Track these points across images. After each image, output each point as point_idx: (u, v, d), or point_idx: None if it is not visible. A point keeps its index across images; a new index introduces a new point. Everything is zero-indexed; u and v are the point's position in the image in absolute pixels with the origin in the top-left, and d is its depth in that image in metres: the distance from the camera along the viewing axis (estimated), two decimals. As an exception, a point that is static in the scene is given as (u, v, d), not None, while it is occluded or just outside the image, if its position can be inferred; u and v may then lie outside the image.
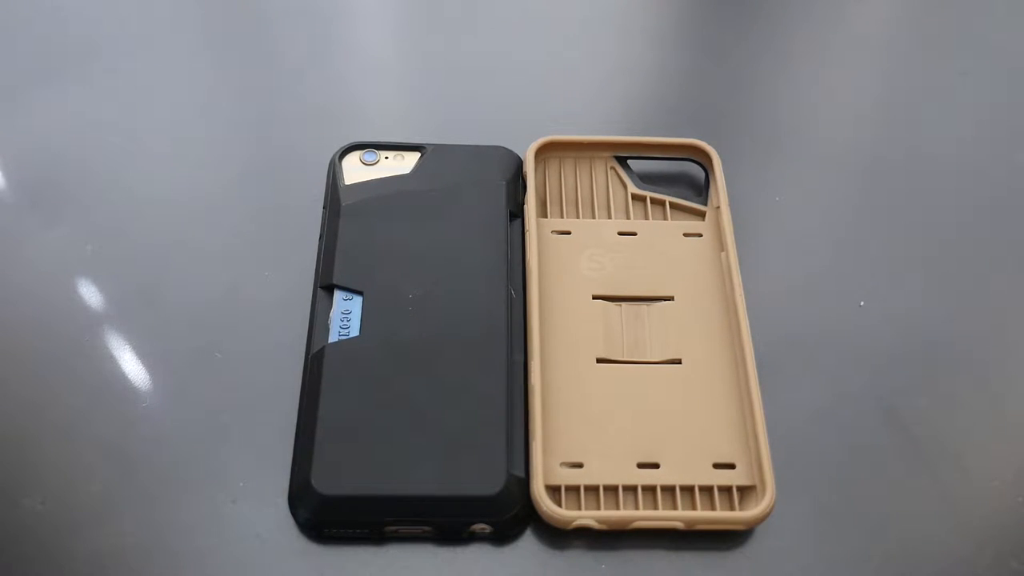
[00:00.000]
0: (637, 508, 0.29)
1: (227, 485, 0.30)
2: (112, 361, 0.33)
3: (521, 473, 0.29)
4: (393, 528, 0.29)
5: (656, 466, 0.30)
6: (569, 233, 0.36)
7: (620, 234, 0.36)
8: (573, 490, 0.30)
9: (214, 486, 0.30)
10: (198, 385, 0.32)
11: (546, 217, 0.36)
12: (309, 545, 0.29)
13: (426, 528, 0.29)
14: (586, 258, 0.35)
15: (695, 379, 0.32)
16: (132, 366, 0.33)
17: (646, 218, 0.37)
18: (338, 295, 0.33)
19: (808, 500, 0.31)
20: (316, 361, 0.31)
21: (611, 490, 0.30)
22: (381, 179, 0.36)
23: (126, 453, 0.31)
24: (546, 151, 0.38)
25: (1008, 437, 0.33)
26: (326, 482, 0.28)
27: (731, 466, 0.30)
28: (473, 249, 0.34)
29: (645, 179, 0.38)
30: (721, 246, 0.35)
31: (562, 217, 0.36)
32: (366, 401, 0.30)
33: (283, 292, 0.35)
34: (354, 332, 0.32)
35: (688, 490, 0.30)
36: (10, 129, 0.40)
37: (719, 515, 0.29)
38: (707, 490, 0.30)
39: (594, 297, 0.34)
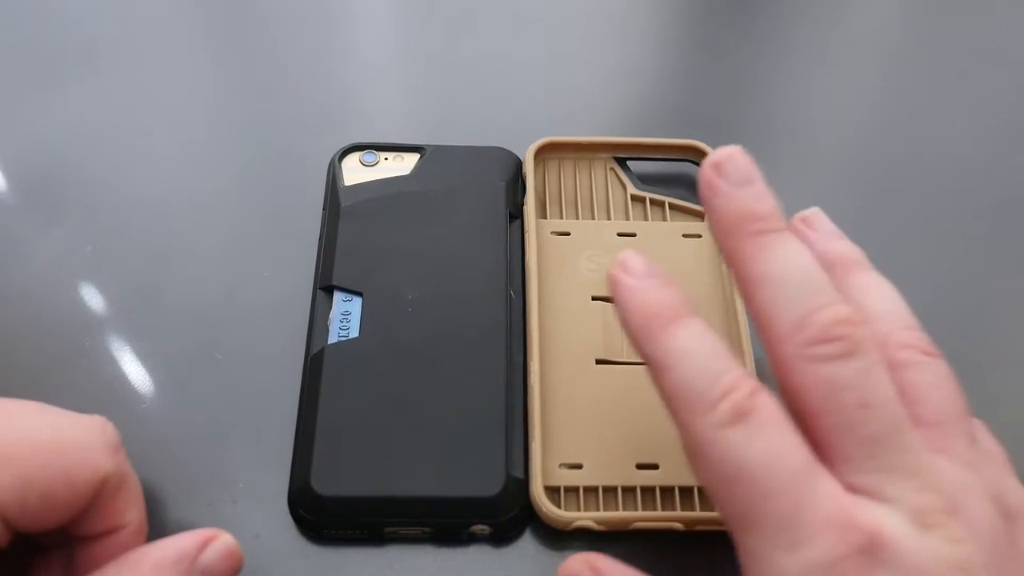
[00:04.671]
0: (636, 509, 0.29)
1: (227, 486, 0.30)
2: (111, 362, 0.33)
3: (520, 474, 0.29)
4: (392, 529, 0.29)
5: (655, 467, 0.30)
6: (568, 234, 0.36)
7: (619, 235, 0.36)
8: (572, 491, 0.30)
9: (214, 487, 0.30)
10: (198, 386, 0.33)
11: (545, 218, 0.36)
12: (308, 546, 0.29)
13: (425, 529, 0.29)
14: (585, 259, 0.35)
15: (694, 380, 0.32)
16: (131, 367, 0.33)
17: (645, 219, 0.37)
18: (338, 296, 0.33)
19: (807, 501, 0.31)
20: (316, 362, 0.31)
21: (610, 491, 0.30)
22: (381, 180, 0.36)
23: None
24: (545, 152, 0.38)
25: (1008, 438, 0.33)
26: (325, 483, 0.28)
27: (730, 467, 0.30)
28: (473, 250, 0.34)
29: (644, 180, 0.38)
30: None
31: (561, 218, 0.37)
32: (366, 402, 0.30)
33: (283, 293, 0.35)
34: (354, 333, 0.32)
35: (687, 491, 0.30)
36: (10, 129, 0.40)
37: (718, 516, 0.29)
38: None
39: (593, 298, 0.34)
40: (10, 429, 0.23)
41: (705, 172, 0.25)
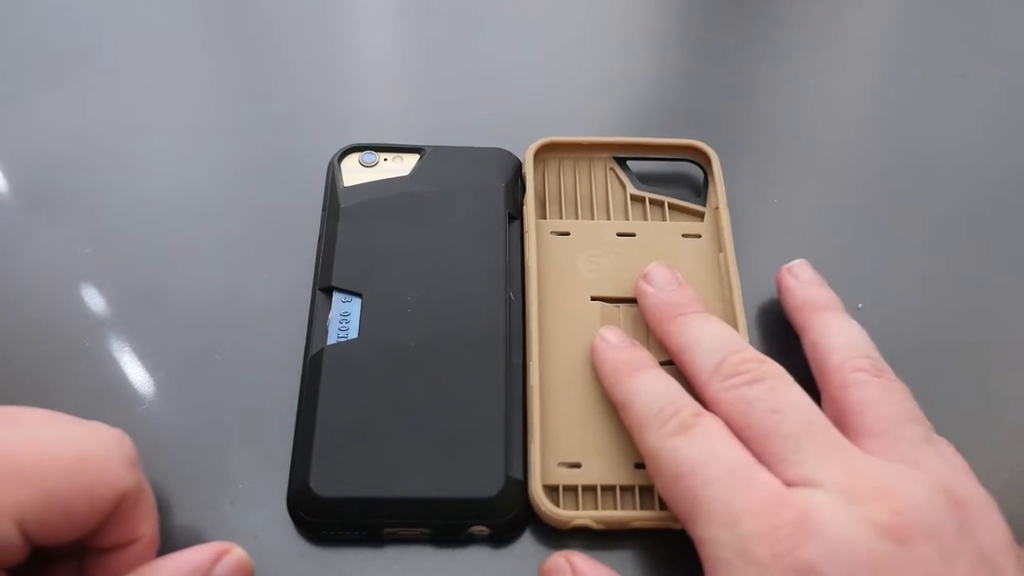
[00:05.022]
0: (635, 508, 0.29)
1: (226, 487, 0.30)
2: (111, 363, 0.33)
3: (519, 475, 0.29)
4: (391, 530, 0.29)
5: (654, 467, 0.30)
6: (568, 234, 0.36)
7: (619, 235, 0.36)
8: (571, 490, 0.30)
9: (213, 487, 0.30)
10: (197, 387, 0.33)
11: (545, 218, 0.36)
12: (307, 547, 0.29)
13: (424, 530, 0.29)
14: (585, 259, 0.35)
15: (693, 380, 0.32)
16: (131, 368, 0.33)
17: (645, 219, 0.37)
18: (337, 297, 0.33)
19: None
20: (315, 363, 0.31)
21: (609, 490, 0.30)
22: (380, 181, 0.36)
23: (126, 455, 0.31)
24: (545, 152, 0.38)
25: (1008, 439, 0.33)
26: (325, 484, 0.28)
27: (729, 467, 0.30)
28: (472, 251, 0.34)
29: (644, 180, 0.38)
30: (720, 247, 0.35)
31: (561, 218, 0.37)
32: (365, 403, 0.30)
33: (282, 294, 0.35)
34: (353, 334, 0.32)
35: (686, 491, 0.30)
36: (10, 129, 0.40)
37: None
38: (705, 491, 0.30)
39: (593, 298, 0.34)
40: (30, 440, 0.23)
41: (637, 283, 0.33)
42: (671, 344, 0.31)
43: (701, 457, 0.26)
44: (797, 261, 0.34)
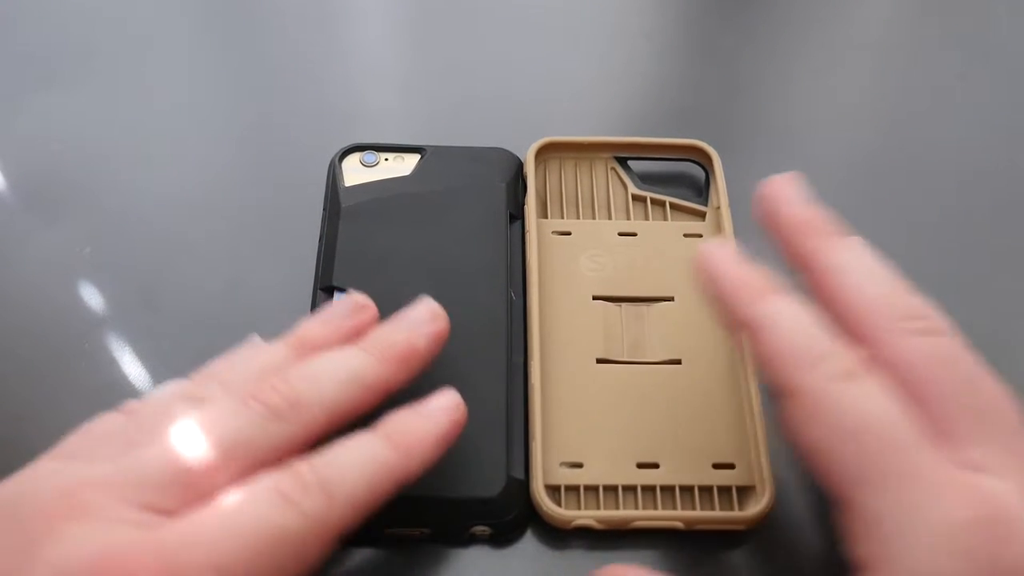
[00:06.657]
0: (637, 508, 0.29)
1: (227, 486, 0.30)
2: (111, 363, 0.33)
3: (521, 475, 0.29)
4: (392, 530, 0.29)
5: (656, 466, 0.30)
6: (569, 234, 0.36)
7: (620, 235, 0.36)
8: (573, 490, 0.30)
9: (214, 487, 0.30)
10: (198, 386, 0.32)
11: (546, 218, 0.36)
12: (309, 546, 0.29)
13: (425, 530, 0.29)
14: (586, 258, 0.35)
15: (695, 379, 0.32)
16: (131, 368, 0.33)
17: (646, 218, 0.37)
18: (338, 297, 0.33)
19: (807, 500, 0.31)
20: (316, 362, 0.31)
21: (611, 490, 0.30)
22: (381, 181, 0.36)
23: (126, 454, 0.31)
24: (546, 152, 0.38)
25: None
26: (326, 483, 0.28)
27: (731, 466, 0.30)
28: (473, 251, 0.34)
29: (645, 179, 0.38)
30: (721, 246, 0.35)
31: (562, 218, 0.36)
32: (366, 402, 0.30)
33: (283, 293, 0.35)
34: (354, 333, 0.32)
35: (688, 490, 0.30)
36: (10, 130, 0.40)
37: (718, 515, 0.29)
38: (707, 490, 0.30)
39: (594, 298, 0.34)
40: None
41: (766, 190, 0.28)
42: (816, 262, 0.26)
43: (885, 417, 0.23)
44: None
